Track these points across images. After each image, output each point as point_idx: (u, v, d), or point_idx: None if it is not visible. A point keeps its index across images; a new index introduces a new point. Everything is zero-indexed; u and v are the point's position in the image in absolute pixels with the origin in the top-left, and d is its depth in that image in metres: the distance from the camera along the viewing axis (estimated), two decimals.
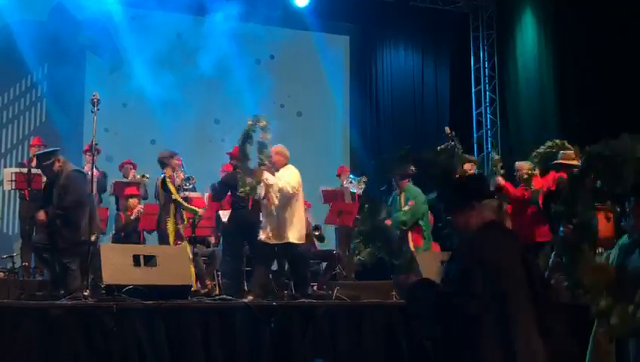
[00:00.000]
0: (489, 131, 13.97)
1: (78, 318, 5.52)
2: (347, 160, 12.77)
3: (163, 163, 8.06)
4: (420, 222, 8.02)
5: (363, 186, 8.87)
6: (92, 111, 7.21)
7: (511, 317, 2.94)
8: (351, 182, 9.90)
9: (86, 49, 11.66)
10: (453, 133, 9.07)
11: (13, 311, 5.57)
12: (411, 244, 7.81)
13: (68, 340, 5.42)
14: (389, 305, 6.83)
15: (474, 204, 3.22)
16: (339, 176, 10.21)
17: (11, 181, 8.54)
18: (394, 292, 7.47)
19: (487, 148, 13.91)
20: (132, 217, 9.12)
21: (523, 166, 8.58)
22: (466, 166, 8.73)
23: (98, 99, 7.22)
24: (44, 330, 5.40)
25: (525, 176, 8.39)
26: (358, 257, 8.02)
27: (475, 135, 14.03)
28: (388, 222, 7.71)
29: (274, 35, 12.45)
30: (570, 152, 8.11)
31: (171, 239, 7.72)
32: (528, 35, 13.13)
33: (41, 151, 7.59)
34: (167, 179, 7.91)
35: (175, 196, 7.84)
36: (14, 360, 5.26)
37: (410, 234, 7.90)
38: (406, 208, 7.97)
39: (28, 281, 7.78)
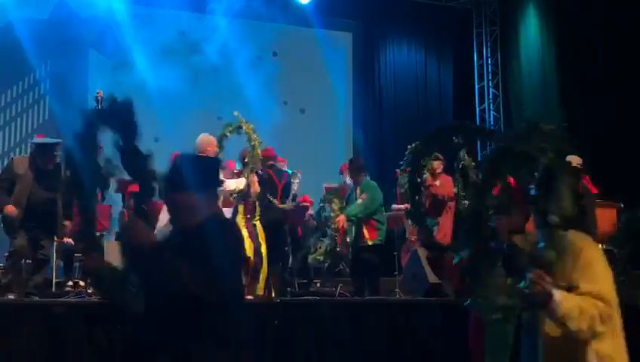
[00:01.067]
0: (492, 127, 13.95)
1: (82, 315, 5.54)
2: (350, 156, 12.76)
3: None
4: (375, 216, 8.05)
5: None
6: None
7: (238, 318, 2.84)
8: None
9: (88, 46, 11.67)
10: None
11: (16, 308, 5.58)
12: (367, 237, 7.88)
13: (71, 337, 5.44)
14: (391, 302, 6.85)
15: (215, 188, 3.04)
16: (341, 172, 10.19)
17: None
18: (397, 289, 7.50)
19: (490, 144, 13.89)
20: None
21: None
22: (436, 164, 8.81)
23: (102, 97, 7.18)
24: (48, 327, 5.42)
25: None
26: (314, 256, 8.11)
27: None
28: (341, 218, 7.83)
29: (277, 32, 12.44)
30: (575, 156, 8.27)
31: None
32: (531, 31, 13.11)
33: (53, 141, 7.47)
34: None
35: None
36: (18, 357, 5.27)
37: (364, 228, 7.93)
38: (359, 201, 8.01)
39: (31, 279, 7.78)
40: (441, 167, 8.88)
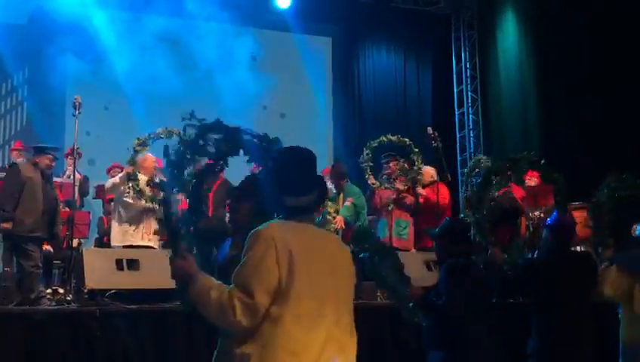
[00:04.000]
0: (471, 131, 14.04)
1: (62, 323, 5.49)
2: (330, 161, 12.77)
3: None
4: (358, 222, 8.23)
5: None
6: (74, 115, 7.22)
7: None
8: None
9: (66, 52, 11.55)
10: (436, 134, 9.13)
11: None
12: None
13: (52, 345, 5.40)
14: (375, 306, 6.87)
15: None
16: None
17: None
18: (379, 293, 7.50)
19: (469, 148, 13.99)
20: None
21: (428, 171, 8.92)
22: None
23: (80, 103, 7.21)
24: (28, 336, 5.37)
25: (428, 182, 8.82)
26: None
27: (457, 135, 14.10)
28: (339, 218, 7.93)
29: (256, 36, 12.43)
30: None
31: None
32: (509, 35, 13.22)
33: (53, 146, 7.59)
34: None
35: None
36: None
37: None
38: (347, 204, 8.13)
39: (10, 287, 7.69)
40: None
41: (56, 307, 6.11)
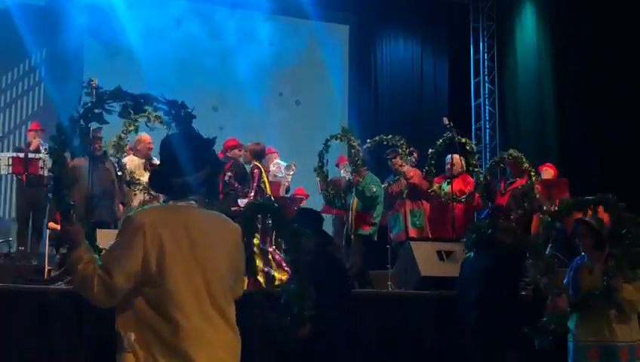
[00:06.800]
0: (487, 123, 13.98)
1: (74, 303, 5.53)
2: (345, 149, 12.74)
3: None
4: (373, 210, 8.37)
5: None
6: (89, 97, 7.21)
7: None
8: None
9: (85, 34, 11.60)
10: (451, 124, 9.11)
11: (9, 296, 5.58)
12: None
13: (63, 324, 5.44)
14: (383, 295, 6.89)
15: None
16: (337, 165, 10.19)
17: (8, 165, 8.53)
18: (390, 282, 7.52)
19: (485, 139, 13.93)
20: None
21: (458, 161, 8.91)
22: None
23: (96, 85, 7.20)
24: (40, 314, 5.42)
25: (457, 172, 8.89)
26: None
27: (473, 126, 14.04)
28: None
29: (273, 23, 12.41)
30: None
31: None
32: (528, 26, 13.12)
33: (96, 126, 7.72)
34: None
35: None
36: (9, 344, 5.28)
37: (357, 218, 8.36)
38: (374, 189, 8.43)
39: (24, 266, 7.78)
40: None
41: (69, 286, 6.15)
